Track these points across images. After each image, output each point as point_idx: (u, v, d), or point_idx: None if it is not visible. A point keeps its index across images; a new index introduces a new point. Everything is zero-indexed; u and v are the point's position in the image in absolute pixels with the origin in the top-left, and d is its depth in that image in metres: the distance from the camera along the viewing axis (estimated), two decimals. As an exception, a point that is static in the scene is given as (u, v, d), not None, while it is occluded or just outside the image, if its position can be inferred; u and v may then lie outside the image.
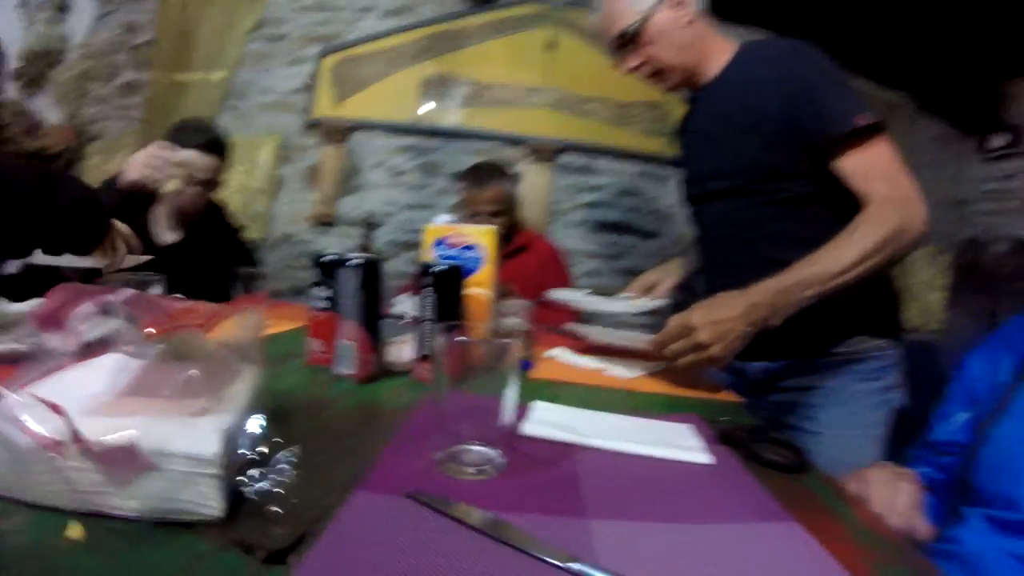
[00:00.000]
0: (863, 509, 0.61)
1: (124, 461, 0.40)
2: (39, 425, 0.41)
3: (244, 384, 0.53)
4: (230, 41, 3.11)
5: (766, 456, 0.61)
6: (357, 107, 2.81)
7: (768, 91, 1.08)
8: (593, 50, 2.64)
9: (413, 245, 2.68)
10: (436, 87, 2.75)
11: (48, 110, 3.22)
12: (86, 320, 0.50)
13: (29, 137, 3.01)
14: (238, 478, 0.44)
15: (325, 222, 2.77)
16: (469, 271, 0.90)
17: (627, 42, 1.18)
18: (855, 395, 1.10)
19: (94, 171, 3.24)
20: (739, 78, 1.15)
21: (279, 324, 1.21)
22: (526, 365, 0.97)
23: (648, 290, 1.35)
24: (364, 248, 2.67)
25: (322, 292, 0.89)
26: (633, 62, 1.20)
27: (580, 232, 2.72)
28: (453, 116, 2.74)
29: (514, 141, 2.69)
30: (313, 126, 2.82)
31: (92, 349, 0.51)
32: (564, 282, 2.04)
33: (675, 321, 0.92)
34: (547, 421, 0.66)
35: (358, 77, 2.83)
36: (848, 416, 1.09)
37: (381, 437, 0.61)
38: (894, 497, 0.77)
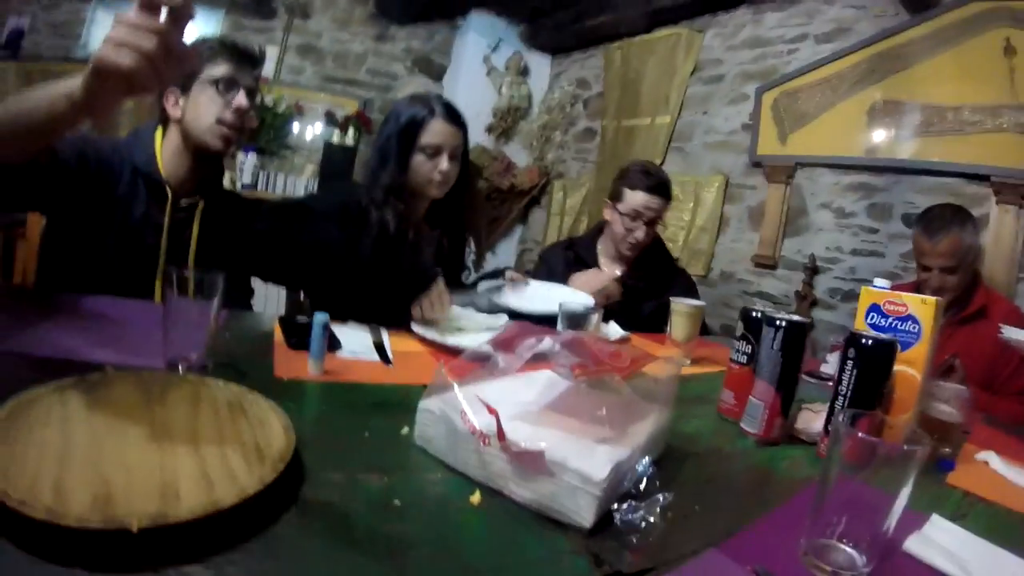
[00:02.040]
0: None
1: (530, 462, 0.50)
2: (476, 418, 0.53)
3: (648, 424, 0.61)
4: (672, 87, 3.43)
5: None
6: (801, 143, 2.75)
7: None
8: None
9: (857, 296, 2.36)
10: (883, 115, 2.49)
11: (518, 155, 4.12)
12: (529, 349, 0.64)
13: (504, 176, 3.91)
14: (614, 505, 0.50)
15: (766, 264, 2.83)
16: (903, 345, 0.81)
17: None
18: None
19: (555, 203, 4.02)
20: None
21: (703, 364, 1.25)
22: (945, 466, 0.86)
23: None
24: (803, 296, 2.68)
25: (743, 347, 0.89)
26: None
27: (1055, 297, 2.12)
28: (904, 148, 2.44)
29: (976, 176, 2.21)
30: (757, 165, 2.90)
31: (531, 365, 0.65)
32: None
33: None
34: (938, 544, 0.58)
35: (799, 111, 2.77)
36: None
37: (762, 506, 0.62)
38: None
